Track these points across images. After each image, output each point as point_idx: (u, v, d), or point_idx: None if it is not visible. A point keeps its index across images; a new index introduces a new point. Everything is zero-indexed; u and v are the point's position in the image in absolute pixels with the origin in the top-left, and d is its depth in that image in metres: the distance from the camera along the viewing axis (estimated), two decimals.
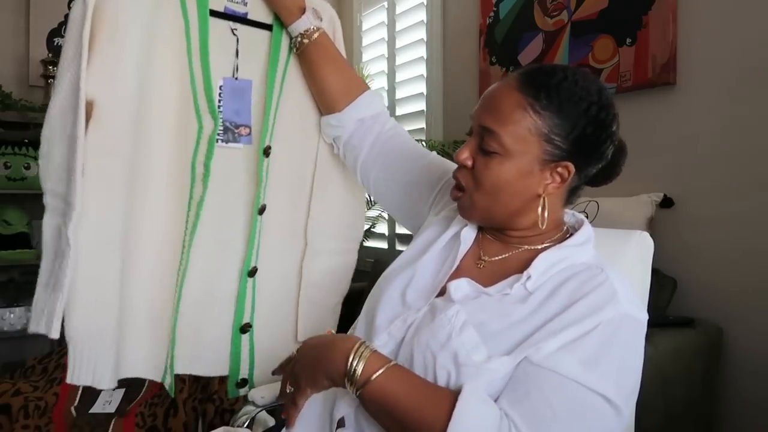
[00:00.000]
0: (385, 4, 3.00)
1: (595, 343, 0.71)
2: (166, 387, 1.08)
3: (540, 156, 0.80)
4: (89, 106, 0.89)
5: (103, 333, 0.94)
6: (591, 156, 0.82)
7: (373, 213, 2.87)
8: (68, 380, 0.93)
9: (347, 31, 3.27)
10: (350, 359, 0.74)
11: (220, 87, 1.06)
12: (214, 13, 1.04)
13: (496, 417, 0.69)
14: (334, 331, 0.94)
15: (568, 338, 0.71)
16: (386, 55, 2.98)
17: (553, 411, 0.68)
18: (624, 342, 0.73)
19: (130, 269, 0.99)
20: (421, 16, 2.77)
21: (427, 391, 0.72)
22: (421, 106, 2.76)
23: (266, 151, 1.09)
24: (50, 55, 2.81)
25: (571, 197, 0.88)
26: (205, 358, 1.11)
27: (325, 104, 1.14)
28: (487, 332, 0.75)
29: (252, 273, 1.12)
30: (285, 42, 1.12)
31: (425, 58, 2.75)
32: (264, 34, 1.10)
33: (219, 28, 1.05)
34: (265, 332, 1.14)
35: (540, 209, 0.83)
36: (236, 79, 1.07)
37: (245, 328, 1.12)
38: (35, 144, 2.65)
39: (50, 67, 2.77)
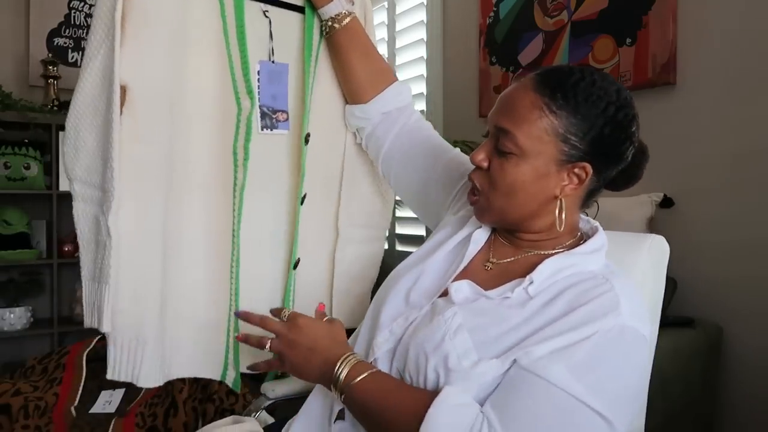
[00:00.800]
0: (385, 4, 3.00)
1: (587, 352, 0.69)
2: (230, 384, 1.06)
3: (556, 156, 0.79)
4: (122, 92, 0.87)
5: (144, 327, 0.93)
6: (609, 157, 0.81)
7: None
8: (108, 376, 0.91)
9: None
10: (337, 366, 0.79)
11: (258, 71, 1.04)
12: None
13: (470, 418, 0.69)
14: (326, 305, 0.98)
15: (560, 344, 0.70)
16: (386, 56, 2.98)
17: (533, 416, 0.67)
18: (621, 354, 0.71)
19: (176, 262, 0.98)
20: (421, 16, 2.77)
21: (404, 394, 0.75)
22: (421, 106, 2.76)
23: (306, 139, 1.07)
24: (50, 55, 2.81)
25: (588, 200, 0.86)
26: (259, 354, 1.10)
27: (352, 93, 1.11)
28: (482, 336, 0.75)
29: (296, 265, 1.11)
30: (318, 25, 1.09)
31: (425, 58, 2.75)
32: (295, 16, 1.08)
33: (250, 10, 1.02)
34: None
35: (557, 211, 0.82)
36: (273, 62, 1.06)
37: None
38: (35, 144, 2.68)
39: (50, 67, 2.76)
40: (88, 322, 0.91)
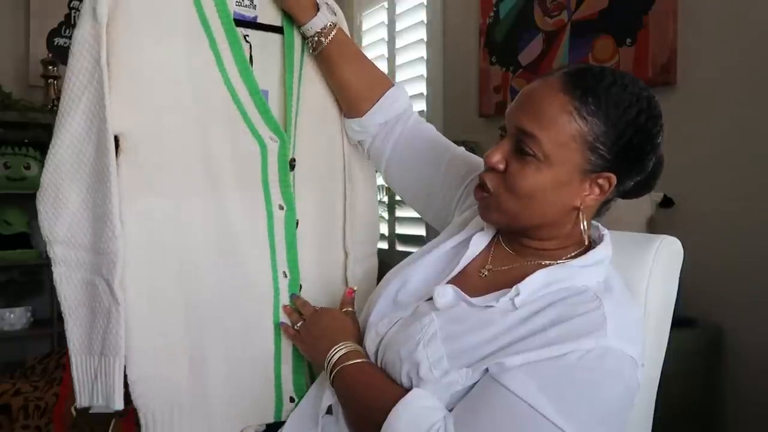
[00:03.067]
0: (385, 4, 3.00)
1: (561, 370, 0.67)
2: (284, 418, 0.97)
3: (582, 165, 0.74)
4: (116, 140, 0.81)
5: (179, 392, 0.88)
6: (633, 168, 0.77)
7: None
8: None
9: (347, 31, 3.26)
10: (333, 349, 0.84)
11: None
12: None
13: (431, 421, 0.69)
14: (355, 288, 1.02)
15: (534, 359, 0.68)
16: (386, 55, 2.98)
17: (494, 426, 0.67)
18: (599, 375, 0.68)
19: (205, 317, 0.92)
20: (421, 16, 2.77)
21: (382, 388, 0.76)
22: (422, 106, 2.76)
23: (291, 165, 1.00)
24: (50, 55, 2.81)
25: (601, 210, 0.83)
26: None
27: (348, 106, 1.05)
28: (456, 345, 0.73)
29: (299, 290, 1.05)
30: (298, 43, 1.02)
31: (425, 58, 2.75)
32: (275, 37, 1.01)
33: None
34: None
35: (583, 223, 0.78)
36: None
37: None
38: (35, 144, 2.68)
39: (50, 67, 2.77)
40: (85, 401, 0.84)
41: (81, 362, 0.84)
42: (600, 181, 0.76)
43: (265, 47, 1.00)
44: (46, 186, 0.82)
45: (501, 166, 0.78)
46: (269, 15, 1.01)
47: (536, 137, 0.74)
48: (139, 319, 0.84)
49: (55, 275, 0.83)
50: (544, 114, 0.74)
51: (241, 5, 0.97)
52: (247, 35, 0.97)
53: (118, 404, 0.82)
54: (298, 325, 0.95)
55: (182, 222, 0.89)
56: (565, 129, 0.73)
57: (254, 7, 0.99)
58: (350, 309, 0.96)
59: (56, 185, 0.82)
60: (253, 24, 0.99)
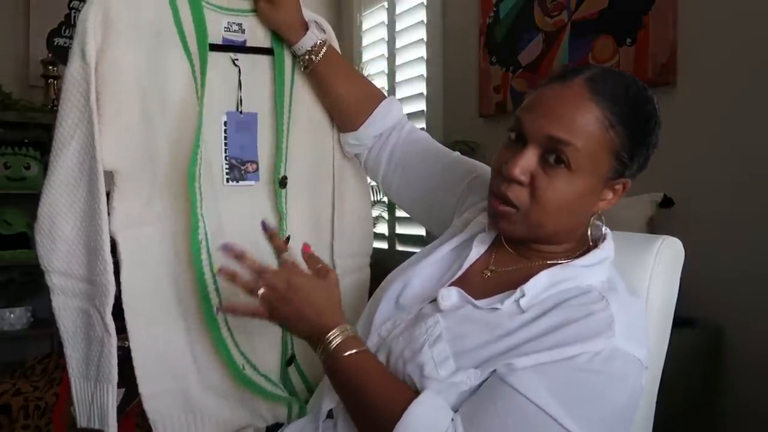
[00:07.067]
0: (385, 4, 3.00)
1: (571, 373, 0.67)
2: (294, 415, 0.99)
3: (607, 174, 0.75)
4: (108, 176, 0.85)
5: (192, 400, 0.92)
6: (640, 172, 0.79)
7: (373, 213, 2.86)
8: None
9: (347, 31, 3.27)
10: (330, 333, 0.76)
11: (225, 122, 1.00)
12: (213, 47, 0.97)
13: (444, 425, 0.68)
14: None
15: (543, 360, 0.68)
16: (386, 55, 2.98)
17: (501, 427, 0.66)
18: (608, 378, 0.68)
19: (202, 327, 0.95)
20: (421, 16, 2.77)
21: (391, 383, 0.74)
22: (421, 106, 2.76)
23: (283, 183, 1.02)
24: (50, 55, 2.82)
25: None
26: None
27: (342, 121, 1.06)
28: (463, 346, 0.73)
29: None
30: (288, 62, 1.04)
31: (425, 58, 2.75)
32: (265, 59, 1.03)
33: (220, 61, 0.98)
34: (309, 360, 1.08)
35: (589, 227, 0.79)
36: (240, 113, 1.01)
37: (290, 361, 1.06)
38: (35, 144, 2.68)
39: (50, 67, 2.77)
40: (84, 423, 0.88)
41: (79, 386, 0.89)
42: (617, 186, 0.78)
43: (255, 69, 1.01)
44: (42, 218, 0.85)
45: (523, 178, 0.75)
46: (258, 37, 1.02)
47: (572, 145, 0.72)
48: (145, 339, 0.88)
49: (53, 303, 0.87)
50: (576, 124, 0.73)
51: (229, 31, 0.99)
52: (237, 59, 0.99)
53: (112, 428, 0.85)
54: (260, 292, 0.78)
55: (178, 244, 0.92)
56: (597, 139, 0.73)
57: (243, 31, 1.00)
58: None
59: (51, 218, 0.85)
60: (242, 48, 1.00)
